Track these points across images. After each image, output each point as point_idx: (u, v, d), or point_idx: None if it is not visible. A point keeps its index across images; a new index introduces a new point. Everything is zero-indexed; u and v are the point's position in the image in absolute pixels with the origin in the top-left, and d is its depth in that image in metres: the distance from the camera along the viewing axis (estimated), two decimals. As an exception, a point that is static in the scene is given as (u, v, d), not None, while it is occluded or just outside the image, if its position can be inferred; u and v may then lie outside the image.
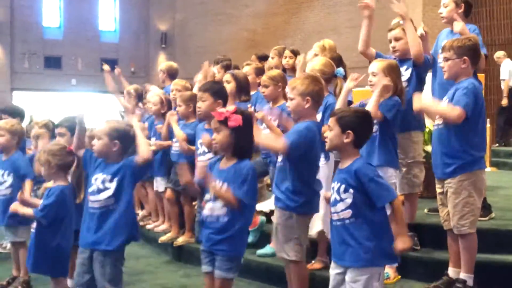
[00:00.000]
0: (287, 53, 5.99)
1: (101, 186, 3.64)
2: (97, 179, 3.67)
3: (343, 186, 3.22)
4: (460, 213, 3.88)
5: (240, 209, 3.43)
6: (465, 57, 3.90)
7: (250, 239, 5.08)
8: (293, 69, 5.78)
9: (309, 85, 3.80)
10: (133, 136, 3.76)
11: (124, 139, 3.70)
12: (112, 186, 3.63)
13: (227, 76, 5.31)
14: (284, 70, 5.90)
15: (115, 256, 3.63)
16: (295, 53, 5.84)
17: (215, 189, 3.43)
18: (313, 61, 4.64)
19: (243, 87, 5.21)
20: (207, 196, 3.57)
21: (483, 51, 4.66)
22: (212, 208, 3.52)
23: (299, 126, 3.76)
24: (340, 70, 4.60)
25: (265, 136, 3.83)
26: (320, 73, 4.33)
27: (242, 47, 16.34)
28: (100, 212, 3.63)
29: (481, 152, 4.01)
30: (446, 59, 3.95)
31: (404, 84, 4.41)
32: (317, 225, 4.28)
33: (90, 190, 3.69)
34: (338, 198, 3.24)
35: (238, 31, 18.11)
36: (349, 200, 3.19)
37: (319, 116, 4.21)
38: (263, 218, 5.23)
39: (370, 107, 3.95)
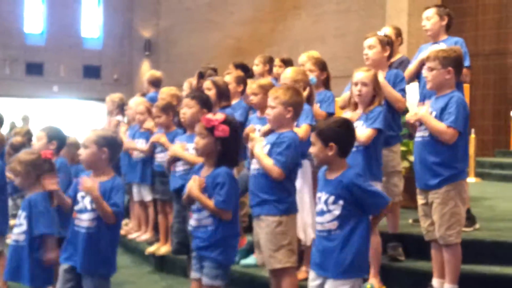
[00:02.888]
0: (277, 62, 5.97)
1: (88, 207, 3.56)
2: (85, 197, 3.59)
3: (332, 198, 3.21)
4: (448, 223, 3.89)
5: (229, 217, 3.46)
6: (450, 68, 3.94)
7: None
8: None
9: (292, 95, 3.81)
10: (120, 143, 3.73)
11: (112, 146, 3.64)
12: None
13: (208, 83, 5.33)
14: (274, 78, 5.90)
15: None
16: (285, 62, 5.82)
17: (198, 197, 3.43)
18: (287, 72, 4.57)
19: (223, 94, 5.24)
20: (193, 207, 3.55)
21: (466, 63, 4.67)
22: (198, 219, 3.51)
23: (284, 140, 3.72)
24: (313, 78, 4.59)
25: (262, 155, 3.77)
26: (298, 83, 4.32)
27: (228, 55, 16.26)
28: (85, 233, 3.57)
29: (465, 163, 4.05)
30: (431, 69, 3.98)
31: None
32: (309, 233, 4.24)
33: (76, 208, 3.60)
34: (325, 209, 3.23)
35: (223, 39, 18.06)
36: (336, 212, 3.19)
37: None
38: (250, 239, 5.16)
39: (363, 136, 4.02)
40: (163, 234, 5.75)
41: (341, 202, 3.18)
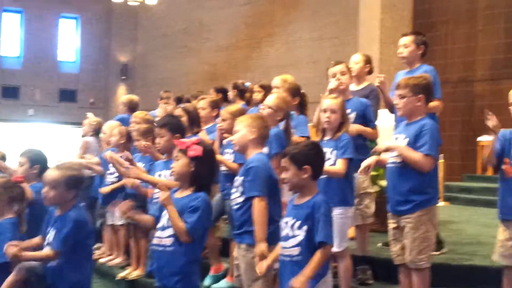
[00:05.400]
0: (256, 87, 6.04)
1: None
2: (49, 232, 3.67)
3: (298, 222, 3.22)
4: (419, 247, 3.90)
5: (188, 241, 3.40)
6: (420, 95, 3.98)
7: (208, 282, 5.02)
8: (261, 102, 5.83)
9: (256, 119, 3.87)
10: (85, 178, 3.76)
11: (80, 185, 3.72)
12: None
13: (179, 111, 5.41)
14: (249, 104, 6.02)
15: None
16: (264, 88, 5.90)
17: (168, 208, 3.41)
18: (271, 98, 4.60)
19: (194, 120, 5.33)
20: (159, 224, 3.56)
21: (438, 95, 4.73)
22: (160, 237, 3.50)
23: (251, 166, 3.71)
24: (293, 113, 4.69)
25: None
26: (279, 111, 4.40)
27: (203, 80, 16.36)
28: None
29: (436, 188, 4.11)
30: (402, 97, 4.02)
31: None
32: None
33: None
34: (290, 234, 3.24)
35: (199, 64, 18.16)
36: (300, 238, 3.21)
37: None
38: (227, 265, 5.13)
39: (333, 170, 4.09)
40: (135, 258, 5.73)
41: (305, 227, 3.18)
